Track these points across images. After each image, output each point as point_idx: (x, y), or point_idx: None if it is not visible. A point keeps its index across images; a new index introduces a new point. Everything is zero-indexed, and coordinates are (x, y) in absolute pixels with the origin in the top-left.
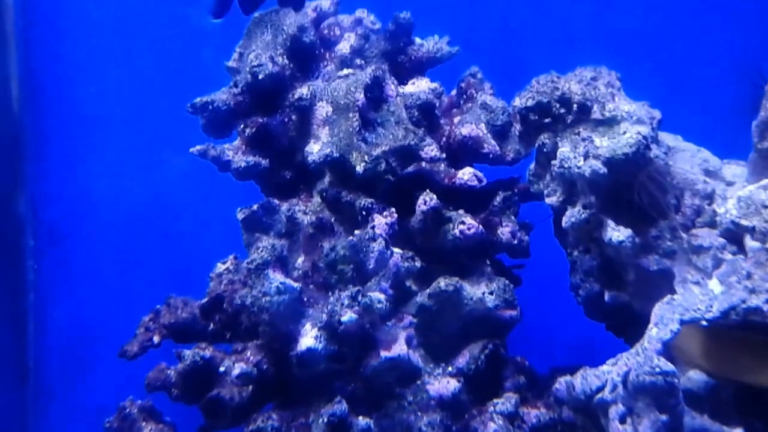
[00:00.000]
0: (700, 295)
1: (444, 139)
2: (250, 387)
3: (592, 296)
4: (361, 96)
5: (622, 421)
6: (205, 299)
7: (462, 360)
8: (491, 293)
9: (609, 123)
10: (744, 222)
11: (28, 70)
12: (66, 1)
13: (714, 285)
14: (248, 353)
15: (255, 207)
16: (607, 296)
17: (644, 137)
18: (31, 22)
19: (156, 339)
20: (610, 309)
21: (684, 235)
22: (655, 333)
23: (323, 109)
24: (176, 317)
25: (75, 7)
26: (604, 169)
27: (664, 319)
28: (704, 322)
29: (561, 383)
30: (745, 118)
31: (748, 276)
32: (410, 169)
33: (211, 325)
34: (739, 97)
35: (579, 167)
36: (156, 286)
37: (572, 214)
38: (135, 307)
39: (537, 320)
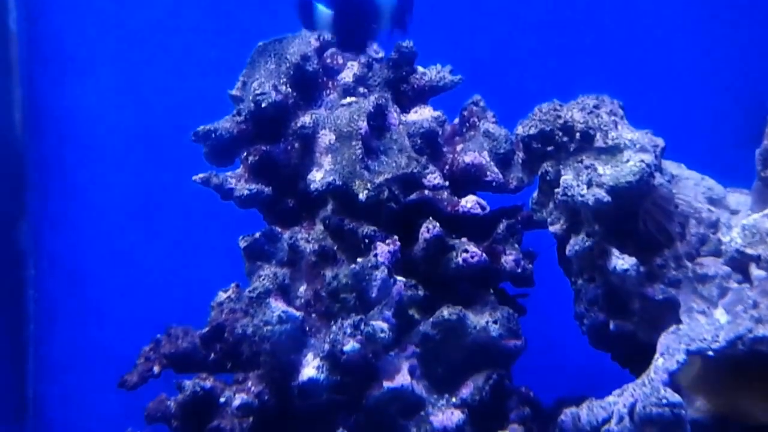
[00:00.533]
0: (706, 324)
1: (447, 167)
2: (251, 418)
3: (596, 325)
4: (363, 124)
5: None
6: (206, 328)
7: (466, 390)
8: (495, 322)
9: (612, 151)
10: (749, 250)
11: (32, 98)
12: (70, 31)
13: (720, 314)
14: (249, 383)
15: (257, 235)
16: (612, 325)
17: (648, 165)
18: (35, 51)
19: (156, 369)
20: (615, 338)
21: (689, 264)
22: (661, 363)
23: (326, 137)
24: (176, 347)
25: (79, 36)
26: (607, 197)
27: (670, 349)
28: (711, 353)
29: (566, 414)
30: (748, 147)
31: (755, 305)
32: (413, 196)
33: (212, 355)
34: (743, 125)
35: (582, 195)
36: (156, 315)
37: (576, 242)
38: (135, 337)
39: (541, 350)
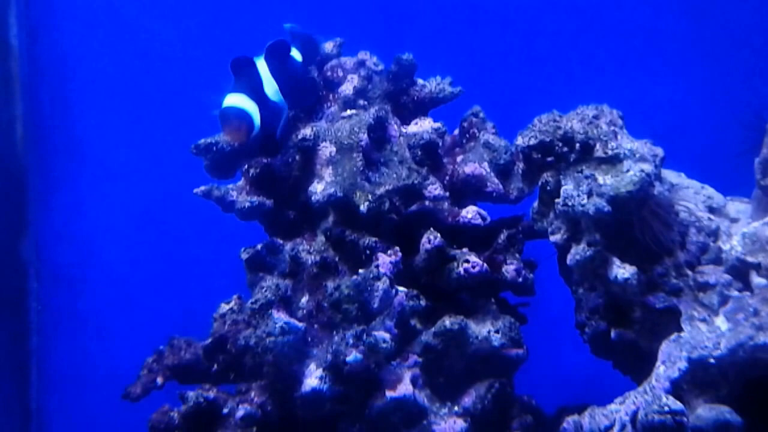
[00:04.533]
0: (707, 332)
1: (447, 178)
2: (254, 429)
3: (598, 334)
4: (364, 136)
5: None
6: (209, 340)
7: (468, 399)
8: (497, 331)
9: (612, 161)
10: (749, 258)
11: (33, 112)
12: (71, 45)
13: (721, 322)
14: (252, 394)
15: (259, 247)
16: (613, 334)
17: (647, 174)
18: (36, 66)
19: (159, 380)
20: (616, 347)
21: (689, 272)
22: (662, 371)
23: (327, 150)
24: (179, 358)
25: (80, 51)
26: (608, 207)
27: (671, 357)
28: (712, 360)
29: (568, 422)
30: (747, 156)
31: (755, 313)
32: (414, 207)
33: (215, 366)
34: (741, 134)
35: (583, 205)
36: (159, 327)
37: (577, 252)
38: (138, 349)
39: (543, 358)
